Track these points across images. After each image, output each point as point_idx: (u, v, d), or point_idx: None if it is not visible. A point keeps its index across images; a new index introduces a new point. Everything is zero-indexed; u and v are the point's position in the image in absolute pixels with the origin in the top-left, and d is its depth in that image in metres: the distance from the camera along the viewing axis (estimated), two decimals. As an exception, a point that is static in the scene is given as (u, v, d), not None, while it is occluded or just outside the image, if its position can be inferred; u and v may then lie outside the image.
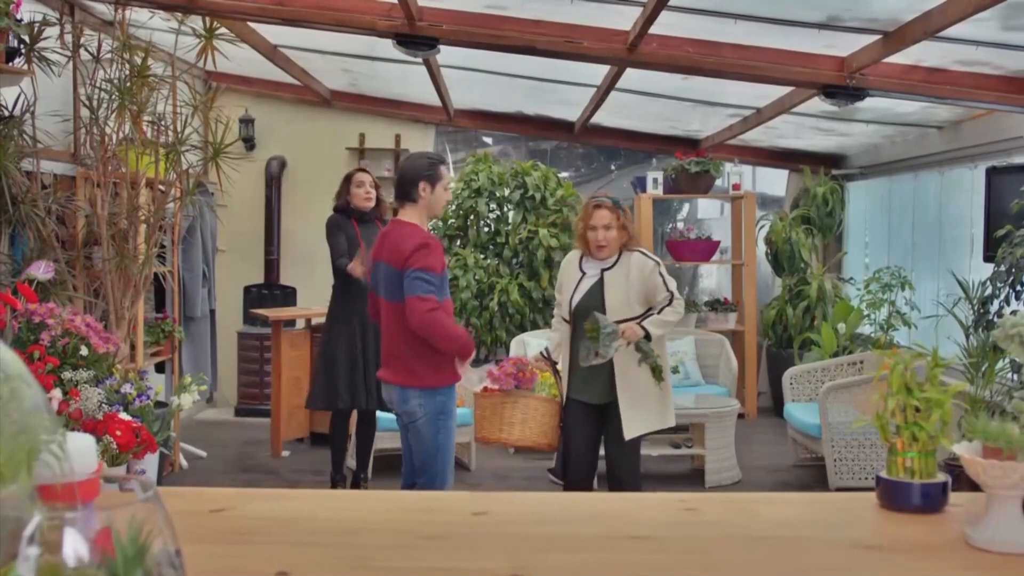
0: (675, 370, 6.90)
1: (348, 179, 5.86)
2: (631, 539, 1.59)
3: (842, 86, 5.32)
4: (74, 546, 0.92)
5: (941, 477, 1.79)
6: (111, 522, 0.94)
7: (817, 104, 5.92)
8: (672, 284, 4.57)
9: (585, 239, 4.60)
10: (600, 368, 4.50)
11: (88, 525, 0.93)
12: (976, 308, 5.44)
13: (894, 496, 1.77)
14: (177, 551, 0.98)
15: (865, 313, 7.66)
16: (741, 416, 7.06)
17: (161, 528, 0.97)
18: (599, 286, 4.54)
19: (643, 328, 4.46)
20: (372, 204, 5.75)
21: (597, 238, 4.54)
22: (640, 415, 4.54)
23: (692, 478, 6.53)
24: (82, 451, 1.53)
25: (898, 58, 5.11)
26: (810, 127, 7.68)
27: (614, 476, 4.67)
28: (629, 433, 4.53)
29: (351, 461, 6.13)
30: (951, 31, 4.46)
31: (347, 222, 5.74)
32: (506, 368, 4.65)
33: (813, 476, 6.50)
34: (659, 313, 4.52)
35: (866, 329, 7.86)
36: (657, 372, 4.50)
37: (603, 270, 4.57)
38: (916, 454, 1.77)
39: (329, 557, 1.49)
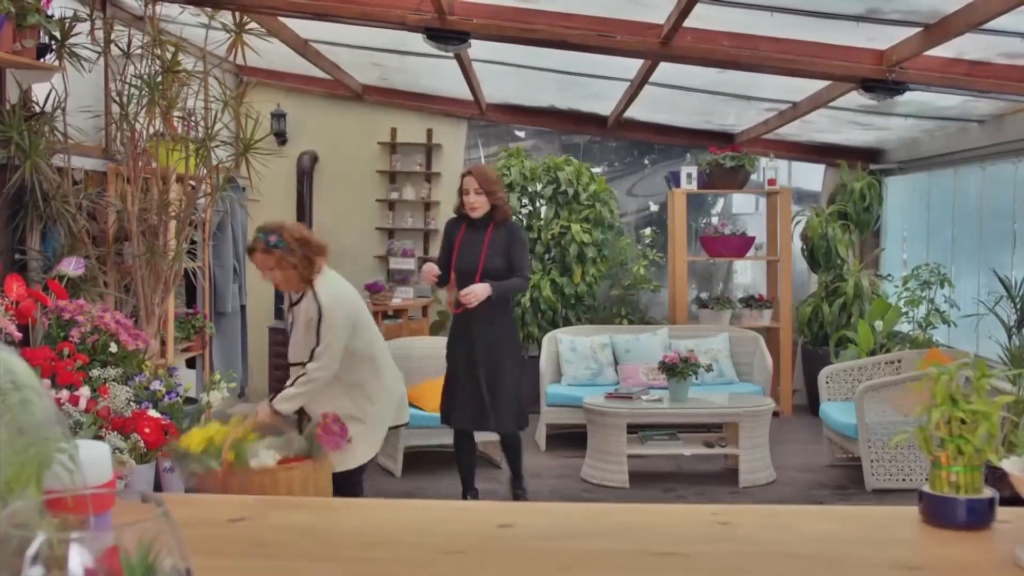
0: (709, 368, 6.80)
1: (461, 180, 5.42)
2: (661, 555, 1.53)
3: (881, 80, 5.21)
4: (79, 566, 0.88)
5: (988, 492, 1.71)
6: (119, 540, 0.89)
7: (855, 98, 5.80)
8: (330, 338, 4.20)
9: None
10: None
11: (95, 544, 0.89)
12: (1019, 307, 5.32)
13: (938, 512, 1.69)
14: (188, 570, 0.94)
15: (903, 311, 7.53)
16: (776, 414, 6.94)
17: (172, 546, 0.93)
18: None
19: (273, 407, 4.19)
20: (477, 212, 5.28)
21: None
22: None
23: (726, 478, 6.44)
24: (96, 461, 1.49)
25: (939, 51, 4.99)
26: (847, 121, 7.55)
27: None
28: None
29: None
30: (995, 23, 4.34)
31: (456, 225, 5.45)
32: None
33: (849, 477, 6.39)
34: (291, 384, 4.23)
35: (904, 327, 7.72)
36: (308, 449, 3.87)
37: (291, 304, 4.55)
38: (962, 468, 1.69)
39: (348, 573, 1.44)
